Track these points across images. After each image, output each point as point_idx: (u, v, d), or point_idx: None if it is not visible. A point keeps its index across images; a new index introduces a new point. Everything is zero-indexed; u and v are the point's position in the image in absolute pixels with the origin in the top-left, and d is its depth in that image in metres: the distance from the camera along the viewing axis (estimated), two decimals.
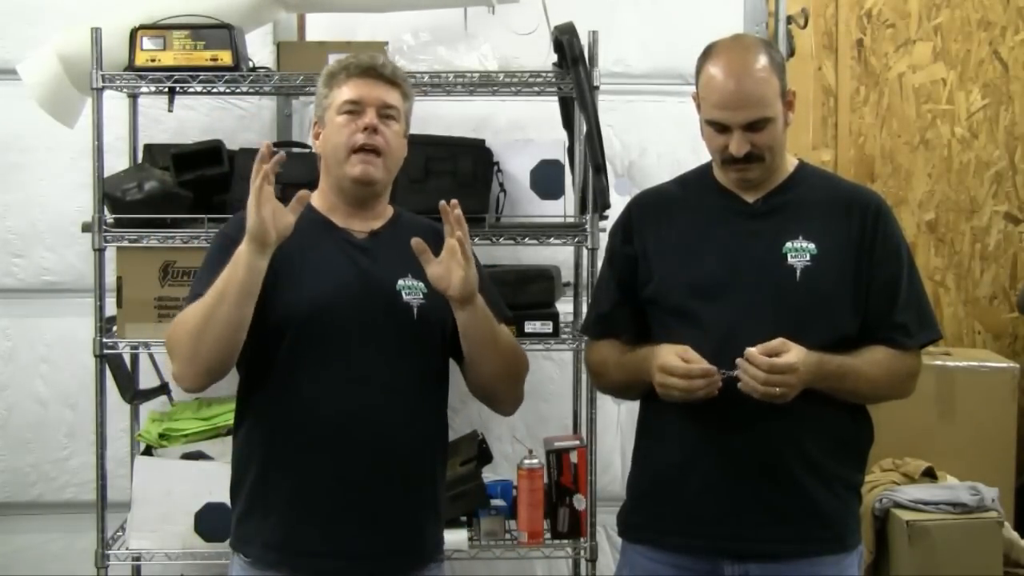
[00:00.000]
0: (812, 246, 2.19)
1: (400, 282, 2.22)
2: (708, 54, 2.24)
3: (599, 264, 3.07)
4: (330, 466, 2.16)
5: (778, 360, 2.08)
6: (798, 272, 2.18)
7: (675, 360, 2.12)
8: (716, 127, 2.20)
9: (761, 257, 2.20)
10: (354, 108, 2.21)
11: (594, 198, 2.99)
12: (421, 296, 2.22)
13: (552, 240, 3.12)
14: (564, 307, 3.24)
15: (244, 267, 2.05)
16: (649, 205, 2.37)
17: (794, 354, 2.09)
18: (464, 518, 3.10)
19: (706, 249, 2.24)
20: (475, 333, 2.20)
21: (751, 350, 2.08)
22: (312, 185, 2.30)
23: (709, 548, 2.20)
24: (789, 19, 3.63)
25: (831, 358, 2.15)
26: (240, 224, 2.18)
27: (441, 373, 2.30)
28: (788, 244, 2.19)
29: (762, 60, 2.18)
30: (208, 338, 2.07)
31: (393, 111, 2.24)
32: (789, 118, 2.24)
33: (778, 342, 2.10)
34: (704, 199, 2.30)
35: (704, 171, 2.36)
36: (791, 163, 2.31)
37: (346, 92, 2.23)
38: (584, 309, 3.20)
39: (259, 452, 2.21)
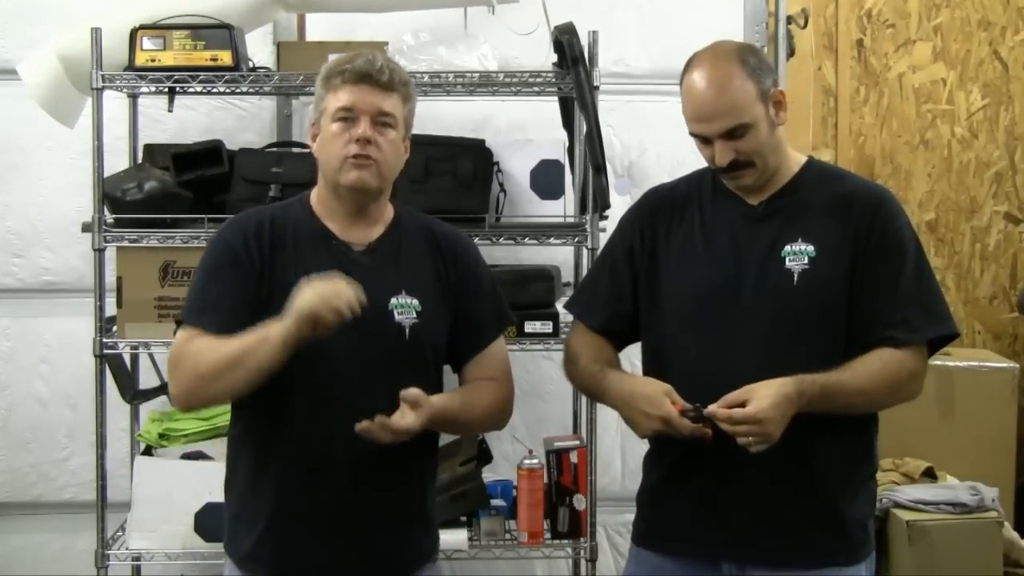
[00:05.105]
0: (811, 248, 2.15)
1: (393, 300, 2.18)
2: (686, 66, 2.20)
3: None
4: (315, 487, 2.15)
5: (736, 412, 2.04)
6: (795, 276, 2.15)
7: (666, 406, 2.09)
8: (698, 139, 2.18)
9: (760, 261, 2.17)
10: (348, 115, 2.15)
11: (594, 198, 2.99)
12: (414, 315, 2.19)
13: (552, 240, 3.12)
14: None
15: (275, 349, 2.03)
16: (662, 203, 2.32)
17: (755, 404, 2.02)
18: (464, 518, 3.10)
19: (709, 254, 2.22)
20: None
21: (711, 408, 2.06)
22: (311, 184, 2.30)
23: (711, 553, 2.19)
24: (789, 19, 3.63)
25: (812, 381, 2.07)
26: (237, 228, 2.18)
27: (434, 388, 2.25)
28: (787, 247, 2.16)
29: (734, 67, 2.13)
30: (215, 388, 2.10)
31: (389, 119, 2.17)
32: (780, 118, 2.18)
33: (742, 392, 2.05)
34: (711, 201, 2.27)
35: (713, 171, 2.31)
36: (797, 162, 2.26)
37: (341, 98, 2.16)
38: None
39: (247, 462, 2.21)
